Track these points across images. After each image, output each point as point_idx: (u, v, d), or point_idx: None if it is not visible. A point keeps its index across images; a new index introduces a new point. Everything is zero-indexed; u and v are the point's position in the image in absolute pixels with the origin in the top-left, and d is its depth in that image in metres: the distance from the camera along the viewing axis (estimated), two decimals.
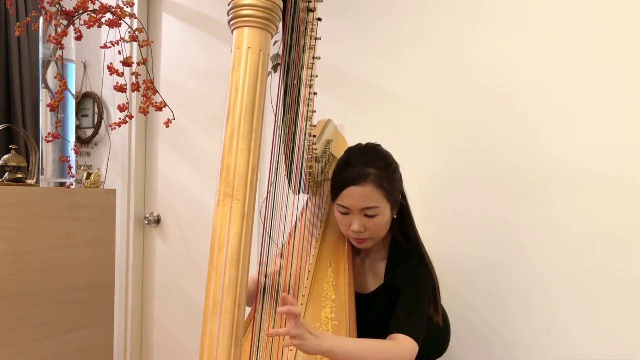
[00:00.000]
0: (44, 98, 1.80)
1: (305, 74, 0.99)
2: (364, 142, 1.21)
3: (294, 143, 1.00)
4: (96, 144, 2.49)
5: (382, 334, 1.07)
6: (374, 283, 1.21)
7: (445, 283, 1.24)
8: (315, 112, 1.13)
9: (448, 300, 1.33)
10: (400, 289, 1.13)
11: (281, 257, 1.17)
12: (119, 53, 1.60)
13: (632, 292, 1.29)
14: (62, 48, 1.62)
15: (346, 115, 1.75)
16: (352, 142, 1.43)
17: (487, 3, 1.52)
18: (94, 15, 1.57)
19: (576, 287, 1.37)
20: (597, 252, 1.34)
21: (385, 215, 1.13)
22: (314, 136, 1.17)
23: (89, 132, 2.47)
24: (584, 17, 1.37)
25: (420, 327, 1.07)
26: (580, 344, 1.36)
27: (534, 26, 1.44)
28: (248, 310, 1.02)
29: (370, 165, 1.11)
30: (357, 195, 1.10)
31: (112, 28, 1.59)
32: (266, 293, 1.10)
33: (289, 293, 1.06)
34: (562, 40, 1.39)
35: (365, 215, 1.11)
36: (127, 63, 1.59)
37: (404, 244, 1.21)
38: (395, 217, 1.18)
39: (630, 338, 1.29)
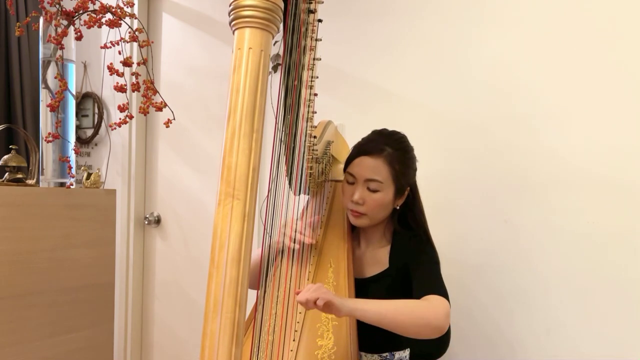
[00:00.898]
0: (44, 98, 1.80)
1: (305, 74, 1.00)
2: None
3: (294, 144, 1.00)
4: (96, 144, 2.49)
5: None
6: (376, 269, 1.21)
7: (445, 283, 1.24)
8: (315, 112, 1.14)
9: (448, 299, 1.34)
10: (411, 263, 1.14)
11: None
12: (119, 53, 1.60)
13: (632, 292, 1.29)
14: (62, 48, 1.62)
15: (346, 116, 1.75)
16: (352, 143, 1.43)
17: (487, 3, 1.52)
18: (94, 15, 1.57)
19: (576, 286, 1.37)
20: (597, 251, 1.34)
21: (387, 194, 1.15)
22: (314, 137, 1.17)
23: (89, 132, 2.48)
24: (584, 17, 1.37)
25: (446, 290, 1.06)
26: (580, 344, 1.36)
27: (534, 26, 1.44)
28: (249, 307, 1.02)
29: (389, 145, 1.16)
30: (366, 164, 1.14)
31: (112, 28, 1.59)
32: (266, 292, 1.10)
33: (288, 295, 1.07)
34: (563, 40, 1.40)
35: (368, 188, 1.14)
36: (127, 63, 1.59)
37: (405, 231, 1.22)
38: (398, 207, 1.20)
39: (631, 338, 1.30)
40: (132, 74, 1.62)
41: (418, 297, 1.04)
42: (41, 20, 1.73)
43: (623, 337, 1.31)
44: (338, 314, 0.94)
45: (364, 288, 1.17)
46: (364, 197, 1.15)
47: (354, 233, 1.30)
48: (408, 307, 1.00)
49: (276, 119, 0.85)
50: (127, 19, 1.61)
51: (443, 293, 1.05)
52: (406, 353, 1.22)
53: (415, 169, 1.22)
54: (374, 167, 1.14)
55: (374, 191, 1.14)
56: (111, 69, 1.59)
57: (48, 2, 1.59)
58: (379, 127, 1.37)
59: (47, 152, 1.82)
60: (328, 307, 0.91)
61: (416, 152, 1.48)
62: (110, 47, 1.63)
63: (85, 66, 2.48)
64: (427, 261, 1.14)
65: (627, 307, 1.30)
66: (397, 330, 0.97)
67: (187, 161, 2.27)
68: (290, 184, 1.09)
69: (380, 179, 1.14)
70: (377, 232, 1.24)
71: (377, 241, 1.25)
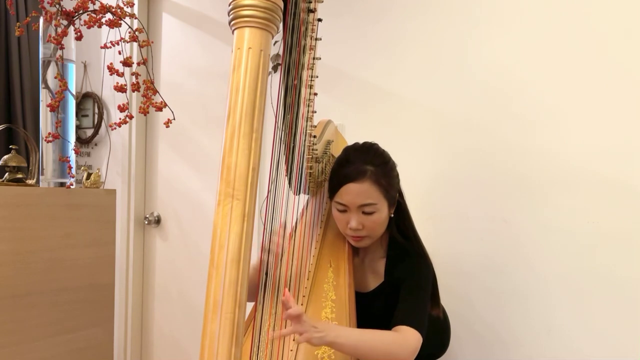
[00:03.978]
0: (44, 98, 1.80)
1: (305, 74, 0.99)
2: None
3: (294, 143, 1.00)
4: (96, 144, 2.49)
5: (387, 323, 1.07)
6: (374, 281, 1.22)
7: (445, 283, 1.24)
8: (315, 112, 1.14)
9: (448, 300, 1.33)
10: (401, 283, 1.13)
11: (284, 229, 1.16)
12: (119, 53, 1.60)
13: (631, 292, 1.29)
14: (62, 48, 1.62)
15: (346, 115, 1.75)
16: (352, 142, 1.43)
17: (487, 3, 1.52)
18: (94, 15, 1.57)
19: (576, 287, 1.37)
20: (596, 252, 1.34)
21: (382, 212, 1.14)
22: (314, 136, 1.17)
23: (89, 132, 2.48)
24: (584, 17, 1.37)
25: (423, 320, 1.07)
26: (580, 344, 1.36)
27: (533, 26, 1.44)
28: (249, 307, 1.02)
29: (368, 162, 1.12)
30: (355, 191, 1.10)
31: (112, 28, 1.59)
32: (266, 294, 1.10)
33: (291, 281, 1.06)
34: (563, 40, 1.39)
35: (363, 212, 1.12)
36: (127, 63, 1.59)
37: (402, 241, 1.21)
38: (393, 215, 1.19)
39: (630, 338, 1.29)
40: (132, 74, 1.62)
41: (395, 324, 1.05)
42: (41, 20, 1.73)
43: (623, 337, 1.30)
44: (319, 344, 0.95)
45: (367, 302, 1.18)
46: (361, 222, 1.13)
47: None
48: (382, 338, 1.01)
49: (276, 118, 0.85)
50: (127, 19, 1.61)
51: (419, 325, 1.05)
52: None
53: (397, 174, 1.19)
54: (364, 192, 1.10)
55: (370, 213, 1.12)
56: (111, 69, 1.59)
57: (48, 2, 1.59)
58: (378, 127, 1.39)
59: (47, 152, 1.82)
60: (305, 341, 0.92)
61: (415, 152, 1.49)
62: (110, 47, 1.63)
63: (85, 66, 2.48)
64: (414, 286, 1.12)
65: (627, 307, 1.30)
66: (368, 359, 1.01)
67: (187, 161, 2.27)
68: (290, 183, 1.08)
69: (373, 201, 1.11)
70: (374, 243, 1.23)
71: (375, 251, 1.24)
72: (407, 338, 1.03)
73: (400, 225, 1.22)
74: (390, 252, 1.21)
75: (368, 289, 1.21)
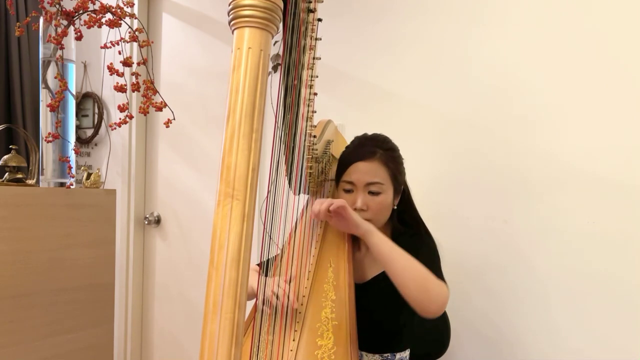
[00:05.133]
0: (44, 98, 1.80)
1: (305, 74, 0.99)
2: None
3: (294, 143, 1.00)
4: (96, 144, 2.49)
5: (379, 322, 1.07)
6: (376, 270, 1.21)
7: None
8: (315, 112, 1.14)
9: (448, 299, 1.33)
10: (413, 255, 1.13)
11: (279, 276, 1.15)
12: (119, 53, 1.60)
13: (631, 293, 1.29)
14: (62, 48, 1.62)
15: (346, 115, 1.75)
16: None
17: (487, 3, 1.52)
18: (94, 15, 1.57)
19: (575, 287, 1.37)
20: (596, 252, 1.34)
21: (387, 195, 1.16)
22: (314, 136, 1.17)
23: (89, 132, 2.48)
24: (585, 17, 1.37)
25: (445, 280, 1.08)
26: (579, 344, 1.36)
27: (534, 26, 1.44)
28: (249, 307, 1.02)
29: (378, 146, 1.17)
30: (364, 169, 1.14)
31: (112, 28, 1.59)
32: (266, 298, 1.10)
33: (288, 295, 1.06)
34: (562, 40, 1.39)
35: (369, 192, 1.15)
36: (127, 63, 1.59)
37: (404, 230, 1.22)
38: (396, 207, 1.20)
39: (630, 338, 1.29)
40: (132, 74, 1.62)
41: None
42: (41, 20, 1.73)
43: (622, 338, 1.30)
44: (356, 229, 1.00)
45: (365, 291, 1.17)
46: (366, 203, 1.14)
47: (354, 236, 1.30)
48: (420, 269, 1.01)
49: (276, 118, 0.85)
50: (127, 19, 1.61)
51: (444, 282, 1.06)
52: (406, 354, 1.22)
53: (404, 168, 1.23)
54: (372, 170, 1.14)
55: (376, 194, 1.14)
56: (111, 69, 1.59)
57: (48, 2, 1.59)
58: (378, 127, 1.37)
59: (47, 152, 1.82)
60: (342, 216, 0.97)
61: (415, 152, 1.49)
62: (110, 47, 1.63)
63: (85, 66, 2.48)
64: (428, 253, 1.14)
65: (627, 307, 1.30)
66: (396, 279, 1.00)
67: (187, 161, 2.27)
68: (290, 183, 1.08)
69: (380, 181, 1.14)
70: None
71: None
72: (441, 284, 1.03)
73: (405, 217, 1.23)
74: (395, 236, 1.21)
75: (368, 278, 1.21)
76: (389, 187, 1.16)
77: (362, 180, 1.14)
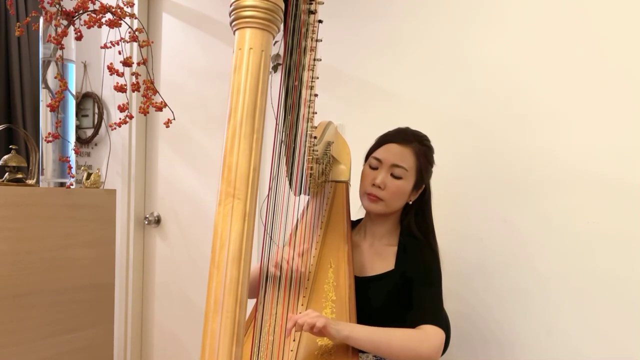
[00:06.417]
0: (44, 98, 1.80)
1: (306, 75, 1.00)
2: (364, 142, 1.26)
3: (294, 144, 1.00)
4: (96, 144, 2.49)
5: (382, 320, 1.07)
6: (380, 266, 1.21)
7: (444, 283, 1.24)
8: (316, 113, 1.14)
9: (448, 299, 1.33)
10: (415, 278, 1.14)
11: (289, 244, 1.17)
12: (119, 53, 1.60)
13: (632, 292, 1.30)
14: (62, 48, 1.62)
15: (346, 116, 1.76)
16: (352, 142, 1.44)
17: (487, 3, 1.52)
18: (94, 15, 1.57)
19: (576, 287, 1.37)
20: (597, 251, 1.34)
21: (408, 183, 1.18)
22: (315, 137, 1.17)
23: (89, 132, 2.48)
24: (583, 17, 1.37)
25: (443, 317, 1.10)
26: (580, 344, 1.36)
27: (533, 26, 1.44)
28: (250, 306, 1.02)
29: (416, 140, 1.20)
30: (394, 150, 1.18)
31: (112, 28, 1.60)
32: (267, 294, 1.10)
33: (289, 294, 1.07)
34: (562, 40, 1.40)
35: (392, 175, 1.17)
36: (127, 63, 1.59)
37: (416, 233, 1.23)
38: (410, 202, 1.22)
39: (631, 338, 1.30)
40: (132, 74, 1.62)
41: (414, 320, 1.06)
42: (41, 20, 1.73)
43: (623, 337, 1.31)
44: (332, 340, 0.99)
45: (366, 286, 1.17)
46: (385, 182, 1.17)
47: (359, 227, 1.30)
48: (402, 338, 1.02)
49: (276, 119, 0.85)
50: (127, 19, 1.62)
51: (439, 322, 1.06)
52: None
53: (432, 169, 1.25)
54: (401, 153, 1.17)
55: (397, 178, 1.17)
56: (111, 69, 1.59)
57: (48, 2, 1.59)
58: (378, 127, 1.38)
59: (47, 152, 1.82)
60: (322, 332, 0.95)
61: None
62: (110, 47, 1.63)
63: (85, 66, 2.48)
64: (431, 284, 1.14)
65: (628, 307, 1.30)
66: (388, 358, 1.02)
67: (187, 161, 2.28)
68: (290, 184, 1.09)
69: (405, 167, 1.17)
70: (384, 227, 1.24)
71: (383, 237, 1.25)
72: (431, 336, 1.03)
73: (419, 219, 1.24)
74: (402, 240, 1.23)
75: (372, 273, 1.21)
76: (411, 177, 1.18)
77: (390, 160, 1.17)
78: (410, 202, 1.23)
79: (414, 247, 1.20)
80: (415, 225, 1.23)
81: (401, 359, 1.01)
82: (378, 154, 1.20)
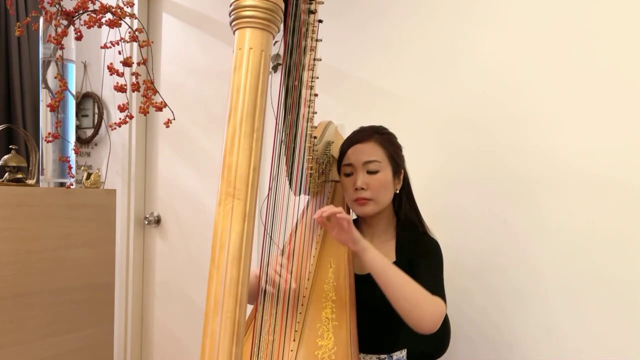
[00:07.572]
0: (44, 98, 1.80)
1: (306, 75, 1.00)
2: None
3: (294, 144, 1.00)
4: (96, 144, 2.49)
5: (382, 314, 1.07)
6: None
7: (445, 283, 1.24)
8: (316, 113, 1.14)
9: (448, 299, 1.33)
10: (416, 260, 1.15)
11: (282, 255, 1.16)
12: (119, 53, 1.60)
13: (631, 293, 1.30)
14: (62, 48, 1.62)
15: (346, 115, 1.75)
16: None
17: (487, 3, 1.52)
18: (94, 15, 1.57)
19: (576, 287, 1.37)
20: (597, 252, 1.34)
21: (386, 173, 1.19)
22: (315, 137, 1.17)
23: (89, 132, 2.48)
24: (582, 17, 1.37)
25: (444, 295, 1.10)
26: (580, 344, 1.36)
27: (533, 26, 1.44)
28: (249, 308, 1.02)
29: (375, 132, 1.23)
30: (360, 150, 1.20)
31: (112, 28, 1.59)
32: (267, 294, 1.10)
33: (289, 294, 1.07)
34: (563, 40, 1.40)
35: (368, 172, 1.18)
36: (127, 63, 1.59)
37: (415, 222, 1.25)
38: (397, 192, 1.23)
39: (630, 338, 1.30)
40: (132, 74, 1.62)
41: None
42: (41, 20, 1.73)
43: (622, 338, 1.31)
44: (353, 244, 1.02)
45: (368, 283, 1.17)
46: (366, 182, 1.18)
47: (357, 228, 1.30)
48: (413, 287, 1.03)
49: (276, 119, 0.85)
50: (127, 19, 1.61)
51: (442, 297, 1.07)
52: (403, 353, 1.22)
53: (402, 153, 1.26)
54: (368, 149, 1.19)
55: (374, 172, 1.18)
56: (111, 69, 1.59)
57: (48, 2, 1.59)
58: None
59: (47, 152, 1.82)
60: (344, 229, 0.99)
61: (415, 152, 1.49)
62: (110, 47, 1.63)
63: (85, 66, 2.48)
64: (430, 264, 1.15)
65: (627, 307, 1.30)
66: (390, 296, 1.02)
67: (187, 161, 2.28)
68: (290, 184, 1.09)
69: (377, 159, 1.18)
70: (381, 223, 1.25)
71: (381, 233, 1.25)
72: (437, 302, 1.05)
73: (406, 206, 1.26)
74: (399, 232, 1.24)
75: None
76: (386, 166, 1.19)
77: (360, 159, 1.18)
78: (397, 192, 1.24)
79: (413, 235, 1.22)
80: (412, 213, 1.26)
81: (403, 306, 1.01)
82: (347, 160, 1.21)
